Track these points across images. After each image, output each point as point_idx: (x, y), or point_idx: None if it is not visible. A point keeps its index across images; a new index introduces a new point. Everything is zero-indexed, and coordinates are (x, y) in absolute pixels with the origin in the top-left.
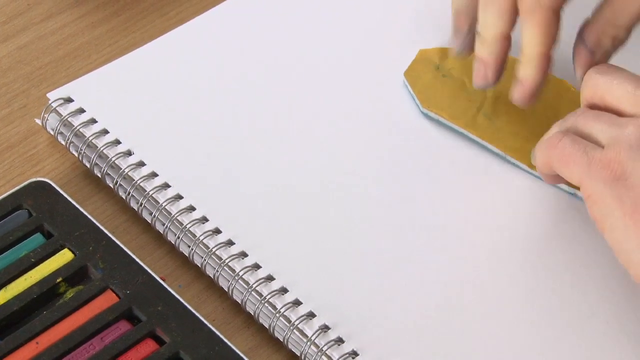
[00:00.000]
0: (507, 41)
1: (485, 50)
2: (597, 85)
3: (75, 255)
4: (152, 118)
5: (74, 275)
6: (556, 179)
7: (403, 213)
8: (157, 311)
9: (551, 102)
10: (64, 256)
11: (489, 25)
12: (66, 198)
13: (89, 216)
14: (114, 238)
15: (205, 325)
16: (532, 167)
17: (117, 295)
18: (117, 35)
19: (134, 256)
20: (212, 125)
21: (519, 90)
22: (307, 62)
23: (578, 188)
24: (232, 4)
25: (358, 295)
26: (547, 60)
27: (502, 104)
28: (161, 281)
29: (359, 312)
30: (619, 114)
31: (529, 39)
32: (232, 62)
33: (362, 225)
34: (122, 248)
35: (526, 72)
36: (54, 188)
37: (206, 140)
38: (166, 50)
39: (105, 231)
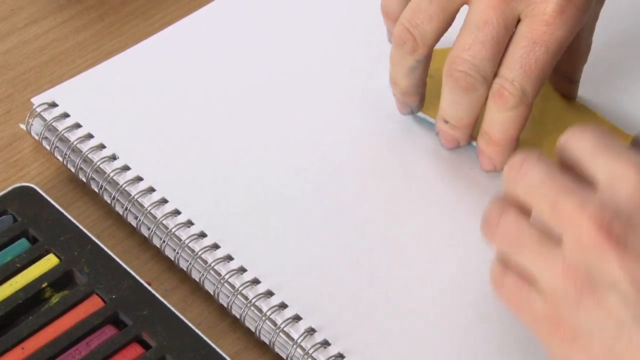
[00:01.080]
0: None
1: (458, 133)
2: (517, 192)
3: (60, 260)
4: (137, 122)
5: (59, 280)
6: None
7: (389, 216)
8: (142, 315)
9: (536, 102)
10: (49, 261)
11: (461, 118)
12: (51, 203)
13: (74, 221)
14: (99, 243)
15: (191, 329)
16: None
17: (102, 299)
18: (101, 40)
19: (119, 260)
20: (197, 129)
21: (487, 163)
22: (294, 62)
23: None
24: (216, 7)
25: (344, 298)
26: (516, 142)
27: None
28: (147, 285)
29: (345, 315)
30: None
31: (504, 126)
32: (216, 65)
33: (347, 228)
34: (107, 252)
35: (497, 156)
36: (39, 193)
37: (191, 144)
38: (150, 54)
39: (91, 236)
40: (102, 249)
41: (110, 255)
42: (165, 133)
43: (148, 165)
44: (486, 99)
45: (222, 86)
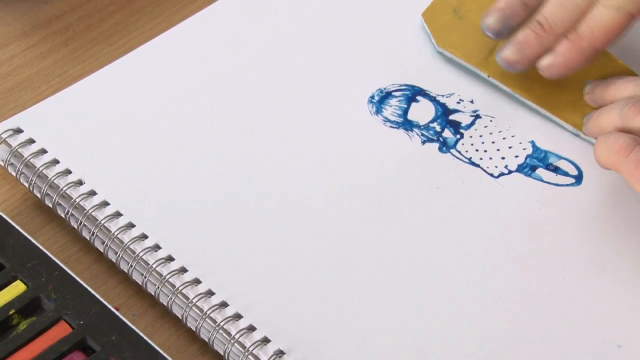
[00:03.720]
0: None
1: (537, 42)
2: None
3: (27, 286)
4: (102, 147)
5: (27, 306)
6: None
7: (357, 234)
8: (111, 341)
9: None
10: (17, 288)
11: (557, 22)
12: (17, 229)
13: (41, 247)
14: (66, 268)
15: (160, 353)
16: (539, 103)
17: (70, 325)
18: (66, 65)
19: (86, 286)
20: (162, 152)
21: (547, 61)
22: (261, 88)
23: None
24: (180, 30)
25: (312, 319)
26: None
27: None
28: (115, 311)
29: (313, 337)
30: None
31: (598, 31)
32: (180, 88)
33: (316, 250)
34: (74, 278)
35: (569, 51)
36: (5, 220)
37: (156, 167)
38: (115, 79)
39: (58, 262)
40: (69, 274)
41: (77, 281)
42: (131, 157)
43: (114, 190)
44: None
45: (186, 108)
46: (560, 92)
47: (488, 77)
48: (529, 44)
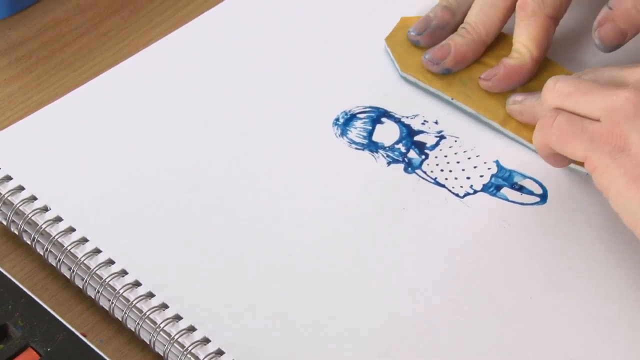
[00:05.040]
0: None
1: (464, 43)
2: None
3: None
4: (68, 173)
5: None
6: (556, 158)
7: (322, 254)
8: None
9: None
10: None
11: (480, 25)
12: None
13: (7, 274)
14: (33, 295)
15: None
16: (504, 125)
17: (37, 353)
18: (31, 92)
19: (53, 313)
20: (127, 177)
21: (495, 76)
22: (226, 113)
23: (579, 163)
24: (145, 55)
25: (284, 346)
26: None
27: (479, 71)
28: (82, 337)
29: None
30: None
31: (526, 41)
32: (144, 112)
33: (282, 273)
34: (41, 305)
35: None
36: None
37: (121, 193)
38: (79, 104)
39: (24, 289)
40: (36, 301)
41: (44, 308)
42: (96, 182)
43: (80, 216)
44: (506, 15)
45: (151, 132)
46: None
47: (452, 99)
48: (457, 47)
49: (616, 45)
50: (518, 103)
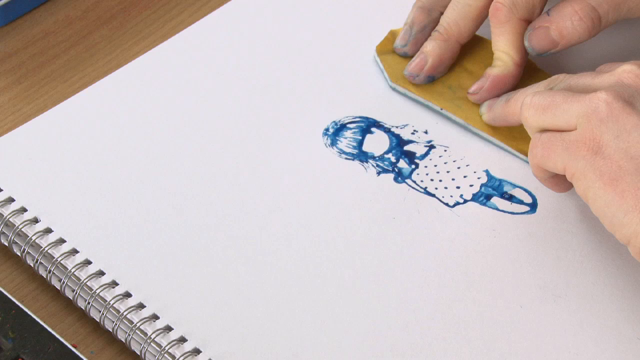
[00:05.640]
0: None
1: (437, 47)
2: (557, 86)
3: None
4: (58, 184)
5: None
6: (555, 181)
7: (312, 265)
8: None
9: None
10: None
11: (452, 25)
12: None
13: None
14: (23, 307)
15: None
16: (493, 134)
17: None
18: (20, 103)
19: (44, 324)
20: (117, 187)
21: (482, 89)
22: (206, 126)
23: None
24: (133, 67)
25: (275, 357)
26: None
27: (466, 79)
28: (73, 349)
29: None
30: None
31: (505, 47)
32: (134, 123)
33: (273, 284)
34: (32, 317)
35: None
36: None
37: (112, 203)
38: (69, 115)
39: (14, 300)
40: (26, 313)
41: (34, 319)
42: (86, 194)
43: (70, 227)
44: (480, 15)
45: (141, 144)
46: None
47: (441, 109)
48: (431, 53)
49: (545, 52)
50: (488, 111)
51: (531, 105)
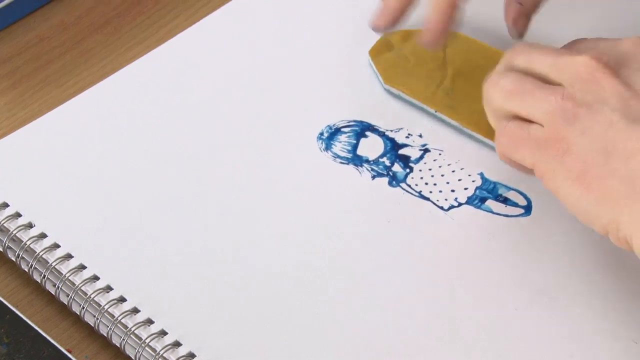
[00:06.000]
0: None
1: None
2: (518, 65)
3: None
4: (52, 189)
5: None
6: (522, 167)
7: (308, 269)
8: None
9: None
10: None
11: None
12: None
13: None
14: (17, 312)
15: None
16: (486, 135)
17: None
18: (15, 108)
19: (38, 329)
20: (113, 193)
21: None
22: (200, 133)
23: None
24: (128, 71)
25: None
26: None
27: (461, 81)
28: (67, 353)
29: None
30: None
31: None
32: (129, 128)
33: (267, 288)
34: (26, 322)
35: (432, 16)
36: None
37: (106, 209)
38: (64, 120)
39: (9, 305)
40: (21, 318)
41: (29, 324)
42: (81, 198)
43: (64, 232)
44: None
45: (137, 149)
46: None
47: (435, 112)
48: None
49: (522, 26)
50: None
51: (497, 86)
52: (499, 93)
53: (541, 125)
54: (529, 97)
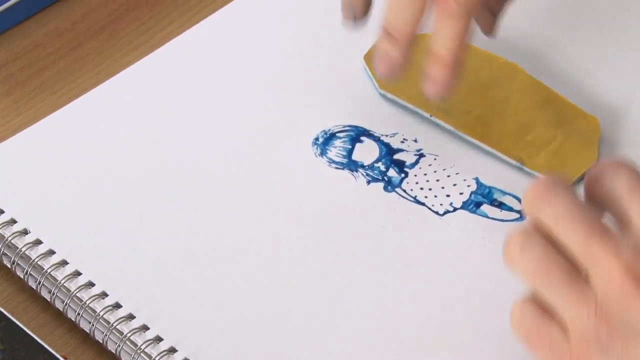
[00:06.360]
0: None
1: (396, 50)
2: (543, 222)
3: None
4: (47, 196)
5: None
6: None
7: (303, 274)
8: None
9: (501, 84)
10: None
11: (401, 23)
12: None
13: None
14: (13, 318)
15: None
16: (481, 139)
17: None
18: (9, 115)
19: (34, 336)
20: (107, 199)
21: (431, 87)
22: (195, 146)
23: None
24: (122, 78)
25: None
26: (460, 66)
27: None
28: (63, 359)
29: None
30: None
31: (448, 38)
32: (124, 135)
33: (262, 294)
34: (22, 328)
35: (442, 75)
36: None
37: (101, 215)
38: (59, 127)
39: (4, 312)
40: (16, 324)
41: (24, 331)
42: (76, 205)
43: (60, 238)
44: (425, 5)
45: (131, 155)
46: (500, 126)
47: (430, 116)
48: (387, 55)
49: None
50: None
51: (519, 256)
52: (520, 264)
53: (566, 331)
54: (556, 289)
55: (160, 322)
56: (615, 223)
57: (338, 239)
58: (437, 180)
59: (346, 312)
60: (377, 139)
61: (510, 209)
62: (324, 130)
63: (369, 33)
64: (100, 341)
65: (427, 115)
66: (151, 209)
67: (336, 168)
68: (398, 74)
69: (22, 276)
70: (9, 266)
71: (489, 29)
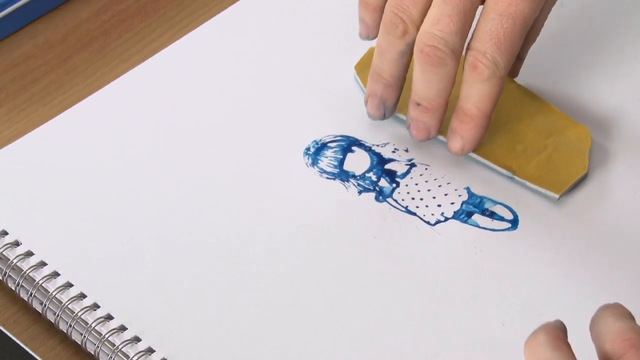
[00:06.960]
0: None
1: (429, 118)
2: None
3: None
4: (38, 207)
5: None
6: None
7: (294, 284)
8: None
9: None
10: None
11: (432, 98)
12: None
13: None
14: (4, 330)
15: None
16: (474, 150)
17: None
18: (0, 127)
19: (25, 347)
20: (97, 210)
21: (456, 143)
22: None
23: None
24: (113, 88)
25: None
26: (489, 120)
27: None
28: None
29: None
30: None
31: (479, 99)
32: (114, 145)
33: (254, 304)
34: (13, 340)
35: (470, 133)
36: None
37: (92, 226)
38: (50, 138)
39: None
40: (8, 336)
41: (16, 343)
42: (67, 217)
43: (52, 250)
44: (455, 74)
45: (121, 166)
46: (491, 136)
47: None
48: (420, 125)
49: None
50: None
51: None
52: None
53: None
54: None
55: (151, 334)
56: None
57: (329, 249)
58: (429, 190)
59: (337, 322)
60: (368, 149)
61: (502, 219)
62: (315, 141)
63: (360, 43)
64: (92, 353)
65: None
66: (143, 220)
67: (327, 178)
68: (434, 136)
69: (13, 288)
70: (1, 278)
71: (514, 72)
